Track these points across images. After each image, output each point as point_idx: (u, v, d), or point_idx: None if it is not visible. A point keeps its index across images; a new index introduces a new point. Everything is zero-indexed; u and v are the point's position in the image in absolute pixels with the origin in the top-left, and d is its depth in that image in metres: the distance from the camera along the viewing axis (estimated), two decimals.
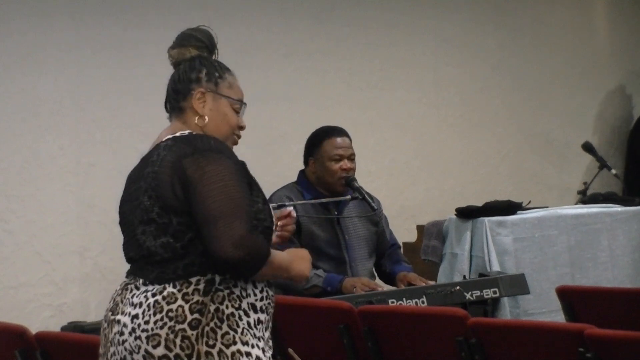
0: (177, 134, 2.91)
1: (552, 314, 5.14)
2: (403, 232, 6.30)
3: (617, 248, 5.73)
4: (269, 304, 2.89)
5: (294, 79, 6.54)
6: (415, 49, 7.18)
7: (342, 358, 3.92)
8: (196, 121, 2.94)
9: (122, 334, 2.81)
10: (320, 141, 4.89)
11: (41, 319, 5.59)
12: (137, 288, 2.84)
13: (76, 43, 5.83)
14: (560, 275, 5.46)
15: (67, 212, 5.74)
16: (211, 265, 2.79)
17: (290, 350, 3.57)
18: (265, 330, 2.88)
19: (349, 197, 4.86)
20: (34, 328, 3.97)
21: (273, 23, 6.52)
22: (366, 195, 4.83)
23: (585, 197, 6.40)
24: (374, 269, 5.02)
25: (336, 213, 4.89)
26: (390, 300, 4.43)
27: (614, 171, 6.94)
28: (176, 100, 2.96)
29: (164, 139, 2.91)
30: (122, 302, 2.85)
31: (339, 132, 4.93)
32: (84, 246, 5.75)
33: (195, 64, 2.96)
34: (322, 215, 4.84)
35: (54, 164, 5.73)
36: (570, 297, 4.41)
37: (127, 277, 2.93)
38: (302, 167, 5.02)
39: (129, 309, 2.82)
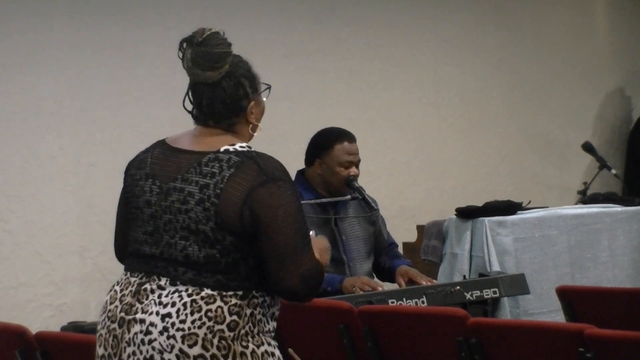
0: (238, 148, 2.89)
1: (552, 314, 5.14)
2: (403, 232, 6.30)
3: (617, 248, 5.73)
4: (279, 313, 2.96)
5: (294, 79, 6.54)
6: (415, 49, 7.18)
7: (342, 358, 3.92)
8: (250, 130, 2.99)
9: (148, 333, 2.79)
10: (331, 144, 4.84)
11: (41, 319, 5.59)
12: (162, 288, 2.82)
13: (76, 43, 5.83)
14: (560, 275, 5.46)
15: (67, 212, 5.74)
16: (248, 287, 2.83)
17: (290, 350, 3.57)
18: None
19: (348, 197, 4.85)
20: (34, 328, 3.96)
21: (273, 23, 6.53)
22: (366, 195, 4.83)
23: (585, 197, 6.40)
24: (372, 270, 5.01)
25: (334, 214, 4.89)
26: (390, 300, 4.43)
27: (614, 171, 6.94)
28: (228, 117, 2.95)
29: (222, 149, 2.88)
30: (139, 302, 2.83)
31: (350, 137, 4.88)
32: (84, 246, 5.76)
33: (239, 79, 2.97)
34: (320, 216, 4.83)
35: (54, 164, 5.74)
36: (570, 297, 4.41)
37: (132, 273, 2.90)
38: (302, 166, 5.00)
39: (155, 308, 2.80)
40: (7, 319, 4.49)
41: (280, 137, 6.31)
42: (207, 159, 2.87)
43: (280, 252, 2.80)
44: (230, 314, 2.79)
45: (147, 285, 2.85)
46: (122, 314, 2.85)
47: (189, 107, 2.98)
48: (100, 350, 2.91)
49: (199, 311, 2.78)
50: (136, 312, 2.83)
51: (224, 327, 2.78)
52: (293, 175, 4.96)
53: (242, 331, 2.79)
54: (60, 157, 5.75)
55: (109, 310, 2.89)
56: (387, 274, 5.01)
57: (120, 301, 2.87)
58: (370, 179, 6.45)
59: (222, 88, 2.94)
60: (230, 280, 2.82)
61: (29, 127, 5.67)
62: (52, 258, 5.69)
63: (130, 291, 2.87)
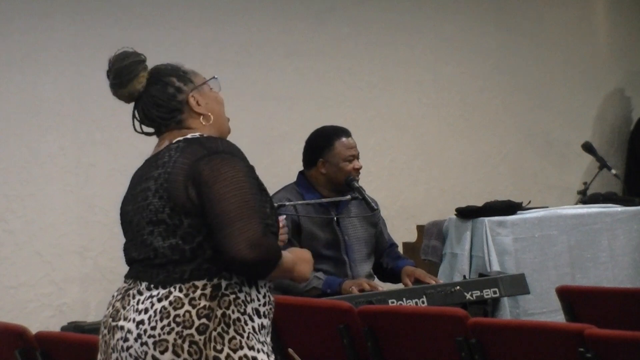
0: (189, 136, 2.93)
1: (552, 314, 5.14)
2: (403, 232, 6.31)
3: (617, 248, 5.73)
4: (270, 309, 2.91)
5: (294, 79, 6.54)
6: (415, 49, 7.18)
7: (342, 358, 3.92)
8: (202, 121, 2.99)
9: (126, 340, 2.80)
10: (331, 142, 4.89)
11: (41, 319, 5.59)
12: (141, 293, 2.83)
13: (76, 43, 5.83)
14: (560, 275, 5.47)
15: (67, 212, 5.74)
16: (218, 271, 2.80)
17: (290, 350, 3.57)
18: (267, 335, 2.90)
19: (349, 197, 4.87)
20: (34, 328, 3.96)
21: (273, 23, 6.52)
22: (366, 195, 4.84)
23: (585, 197, 6.40)
24: (372, 271, 5.01)
25: (336, 214, 4.89)
26: (390, 300, 4.43)
27: (614, 171, 6.94)
28: (169, 118, 2.98)
29: (174, 141, 2.92)
30: (124, 308, 2.85)
31: (347, 132, 4.96)
32: (84, 246, 5.75)
33: (161, 80, 3.01)
34: (322, 216, 4.84)
35: (54, 164, 5.74)
36: (570, 297, 4.41)
37: (125, 280, 2.93)
38: (301, 167, 5.01)
39: (132, 315, 2.81)
40: (7, 319, 4.49)
41: (280, 137, 6.32)
42: (160, 154, 2.92)
43: (224, 218, 2.74)
44: (199, 318, 2.76)
45: (131, 291, 2.87)
46: (110, 320, 2.88)
47: (139, 128, 3.04)
48: (98, 356, 2.95)
49: (168, 317, 2.76)
50: (119, 319, 2.85)
51: (192, 331, 2.75)
52: (294, 176, 4.99)
53: (214, 333, 2.75)
54: (60, 157, 5.75)
55: (104, 317, 2.93)
56: (390, 275, 5.02)
57: (112, 307, 2.90)
58: (370, 179, 6.45)
59: (150, 95, 2.99)
60: (197, 270, 2.79)
61: (29, 127, 5.67)
62: (52, 258, 5.69)
63: (119, 297, 2.90)
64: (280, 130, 6.34)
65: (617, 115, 8.24)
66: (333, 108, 6.66)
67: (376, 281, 4.93)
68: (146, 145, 3.06)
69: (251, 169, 2.88)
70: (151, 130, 3.03)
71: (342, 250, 4.85)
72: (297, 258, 2.93)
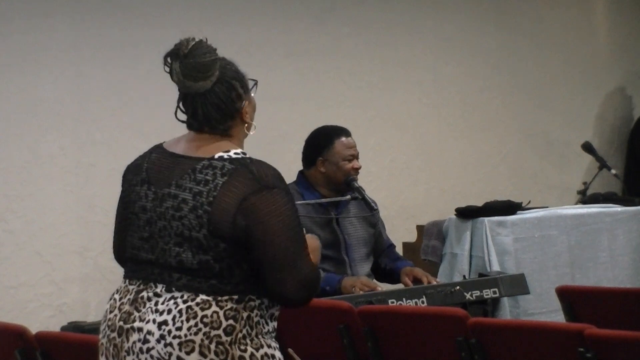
0: (232, 155, 2.87)
1: (552, 314, 5.14)
2: (403, 232, 6.31)
3: (617, 248, 5.73)
4: (279, 313, 2.94)
5: (294, 79, 6.54)
6: (415, 49, 7.18)
7: (342, 358, 3.92)
8: (246, 130, 2.97)
9: (146, 341, 2.78)
10: (331, 141, 4.91)
11: (41, 319, 5.59)
12: (159, 295, 2.82)
13: (76, 43, 5.83)
14: (560, 275, 5.46)
15: (67, 212, 5.74)
16: (246, 291, 2.82)
17: (290, 350, 3.57)
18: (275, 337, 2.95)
19: (348, 197, 4.87)
20: (34, 328, 3.96)
21: (273, 23, 6.52)
22: (366, 195, 4.84)
23: (585, 197, 6.40)
24: (371, 271, 5.02)
25: (335, 214, 4.90)
26: (390, 300, 4.43)
27: (614, 171, 6.94)
28: (222, 122, 2.93)
29: (216, 156, 2.87)
30: (137, 310, 2.83)
31: (346, 132, 4.97)
32: (84, 246, 5.75)
33: (230, 82, 2.93)
34: (322, 216, 4.84)
35: (54, 164, 5.74)
36: (570, 297, 4.41)
37: (130, 281, 2.91)
38: (301, 167, 5.01)
39: (152, 316, 2.79)
40: (7, 319, 4.49)
41: (280, 137, 6.31)
42: (201, 165, 2.86)
43: (276, 261, 2.79)
44: (227, 319, 2.78)
45: (144, 293, 2.85)
46: (121, 323, 2.85)
47: (182, 116, 2.96)
48: (102, 359, 2.92)
49: (195, 317, 2.77)
50: (134, 321, 2.82)
51: (220, 332, 2.76)
52: (294, 176, 4.99)
53: (240, 335, 2.78)
54: (60, 157, 5.75)
55: (109, 319, 2.89)
56: (388, 275, 5.02)
57: (119, 310, 2.87)
58: (370, 179, 6.45)
59: (215, 94, 2.92)
60: (224, 284, 2.81)
61: (29, 127, 5.67)
62: (52, 258, 5.69)
63: (129, 299, 2.87)
64: (280, 130, 6.34)
65: (617, 115, 8.24)
66: (333, 108, 6.66)
67: (374, 281, 4.93)
68: (147, 146, 3.05)
69: (291, 198, 2.88)
70: (193, 123, 2.95)
71: (341, 250, 4.86)
72: (309, 249, 2.95)
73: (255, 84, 3.02)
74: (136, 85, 5.96)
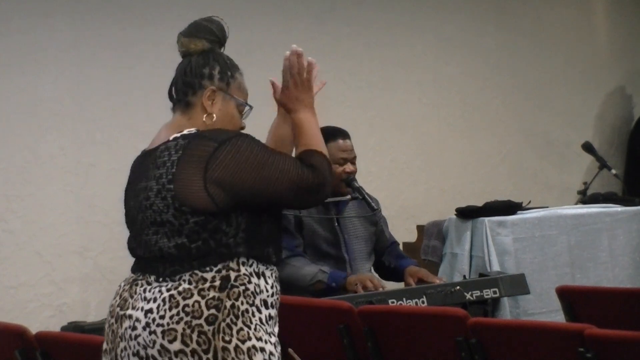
0: (185, 132, 2.88)
1: (552, 314, 5.14)
2: (403, 232, 6.30)
3: (617, 248, 5.73)
4: (277, 299, 2.91)
5: None
6: (415, 49, 7.19)
7: (342, 358, 3.92)
8: (204, 119, 2.93)
9: (134, 328, 2.80)
10: (325, 143, 4.88)
11: (41, 319, 5.59)
12: (149, 283, 2.84)
13: (76, 43, 5.83)
14: (560, 275, 5.47)
15: (67, 212, 5.74)
16: (228, 277, 2.79)
17: (290, 350, 3.57)
18: (275, 326, 2.89)
19: (349, 197, 4.87)
20: (34, 328, 3.96)
21: (273, 23, 6.53)
22: (366, 195, 4.84)
23: (585, 197, 6.40)
24: (373, 269, 5.02)
25: (336, 213, 4.90)
26: (390, 300, 4.43)
27: (614, 171, 6.94)
28: (185, 94, 2.95)
29: (171, 138, 2.89)
30: (131, 297, 2.85)
31: (344, 134, 4.93)
32: (84, 246, 5.76)
33: (209, 59, 2.97)
34: (322, 215, 4.84)
35: (54, 164, 5.74)
36: (570, 297, 4.41)
37: (133, 272, 2.93)
38: None
39: (141, 304, 2.81)
40: (7, 319, 4.49)
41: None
42: (159, 151, 2.88)
43: (282, 193, 2.82)
44: (208, 308, 2.75)
45: (139, 281, 2.87)
46: (118, 309, 2.88)
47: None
48: (104, 345, 2.94)
49: (177, 306, 2.76)
50: (127, 308, 2.84)
51: (201, 321, 2.74)
52: None
53: (223, 324, 2.75)
54: (60, 157, 5.76)
55: (111, 306, 2.92)
56: (392, 274, 5.01)
57: (120, 296, 2.90)
58: (371, 179, 6.46)
59: (190, 61, 2.96)
60: (204, 269, 2.78)
61: (29, 127, 5.68)
62: (52, 258, 5.69)
63: (127, 287, 2.90)
64: None
65: (617, 115, 8.25)
66: (333, 108, 6.66)
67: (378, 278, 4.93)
68: (146, 146, 3.06)
69: (250, 138, 2.86)
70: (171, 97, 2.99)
71: (342, 249, 4.86)
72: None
73: (250, 108, 3.07)
74: (136, 85, 5.96)
